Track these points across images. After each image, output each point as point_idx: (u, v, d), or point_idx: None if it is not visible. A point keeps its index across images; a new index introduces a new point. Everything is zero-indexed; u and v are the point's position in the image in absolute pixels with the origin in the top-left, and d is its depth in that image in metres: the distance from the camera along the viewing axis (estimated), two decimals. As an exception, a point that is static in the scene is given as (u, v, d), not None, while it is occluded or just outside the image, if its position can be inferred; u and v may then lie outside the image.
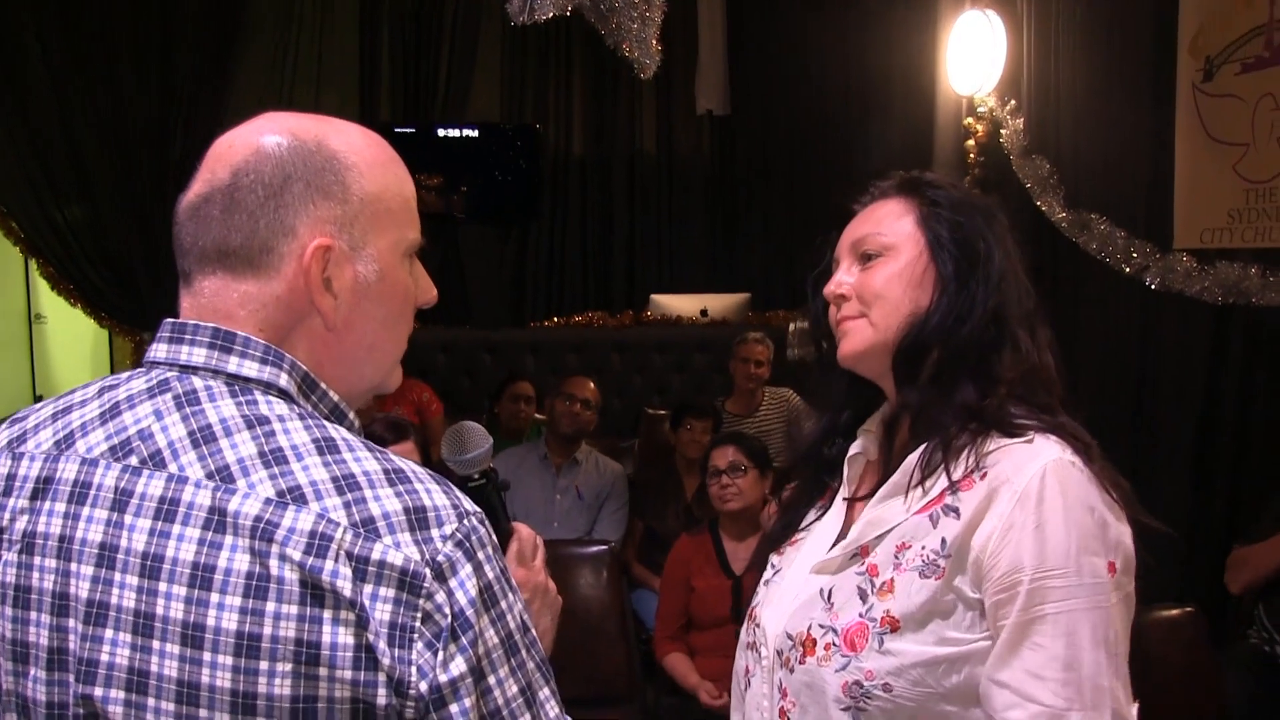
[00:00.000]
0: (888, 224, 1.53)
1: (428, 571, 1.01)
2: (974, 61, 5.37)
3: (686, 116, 7.87)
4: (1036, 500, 1.33)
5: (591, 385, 5.01)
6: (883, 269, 1.51)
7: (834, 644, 1.42)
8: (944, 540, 1.37)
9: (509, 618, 1.06)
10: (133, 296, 6.38)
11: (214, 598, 1.00)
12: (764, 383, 5.58)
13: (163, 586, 1.01)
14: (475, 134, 7.37)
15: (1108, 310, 5.08)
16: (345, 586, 0.99)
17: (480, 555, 1.05)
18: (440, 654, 1.01)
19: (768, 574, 1.63)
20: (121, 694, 1.02)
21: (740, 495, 3.91)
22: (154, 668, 1.01)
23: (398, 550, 1.00)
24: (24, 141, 6.17)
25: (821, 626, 1.44)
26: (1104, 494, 1.36)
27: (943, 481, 1.41)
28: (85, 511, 1.06)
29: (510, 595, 1.07)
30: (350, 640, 0.99)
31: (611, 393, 6.62)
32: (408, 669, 1.00)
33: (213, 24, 6.64)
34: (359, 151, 1.16)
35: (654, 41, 4.37)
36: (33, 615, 1.07)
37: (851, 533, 1.50)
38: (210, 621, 0.99)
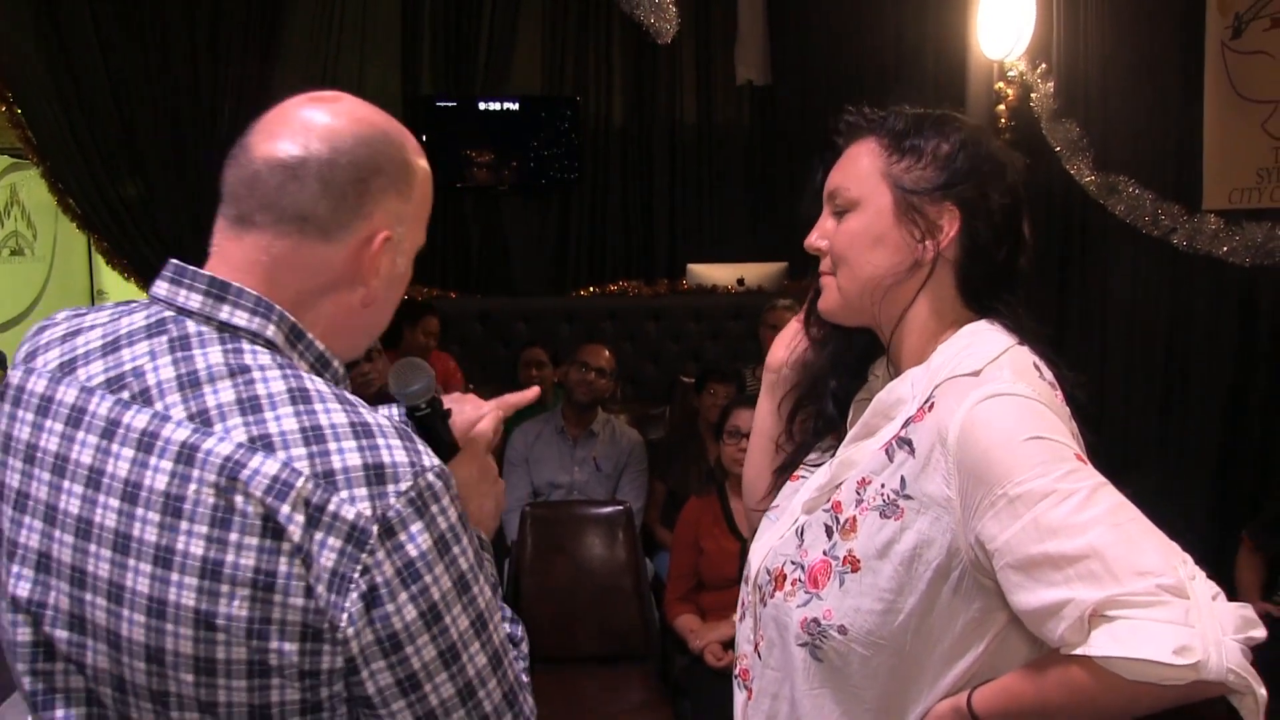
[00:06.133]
0: (855, 174, 1.49)
1: (375, 528, 1.09)
2: (1005, 25, 5.30)
3: (726, 86, 7.83)
4: (973, 440, 1.29)
5: (607, 353, 4.97)
6: (848, 226, 1.48)
7: (799, 580, 1.42)
8: (903, 480, 1.35)
9: (461, 560, 1.16)
10: (184, 270, 6.47)
11: (183, 525, 1.10)
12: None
13: (139, 511, 1.11)
14: (516, 107, 7.40)
15: (1137, 273, 5.02)
16: (296, 532, 1.08)
17: (434, 509, 1.13)
18: (385, 605, 1.10)
19: (770, 512, 1.62)
20: (104, 601, 1.13)
21: None
22: (129, 582, 1.11)
23: (351, 505, 1.09)
24: (79, 120, 6.30)
25: (793, 563, 1.45)
26: (1050, 419, 1.31)
27: (904, 417, 1.40)
28: (80, 435, 1.16)
29: (462, 539, 1.17)
30: (300, 572, 1.09)
31: (646, 360, 6.66)
32: (339, 614, 1.09)
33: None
34: (423, 161, 1.32)
35: (669, 5, 4.36)
36: (26, 519, 1.18)
37: (826, 472, 1.50)
38: (179, 545, 1.10)
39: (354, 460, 1.11)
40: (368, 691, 1.14)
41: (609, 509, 4.18)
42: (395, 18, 7.43)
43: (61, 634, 1.16)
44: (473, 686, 1.18)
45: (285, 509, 1.08)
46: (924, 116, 1.50)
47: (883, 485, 1.37)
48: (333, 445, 1.11)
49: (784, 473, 1.65)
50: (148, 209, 6.55)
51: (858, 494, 1.40)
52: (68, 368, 1.21)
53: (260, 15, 6.69)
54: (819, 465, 1.58)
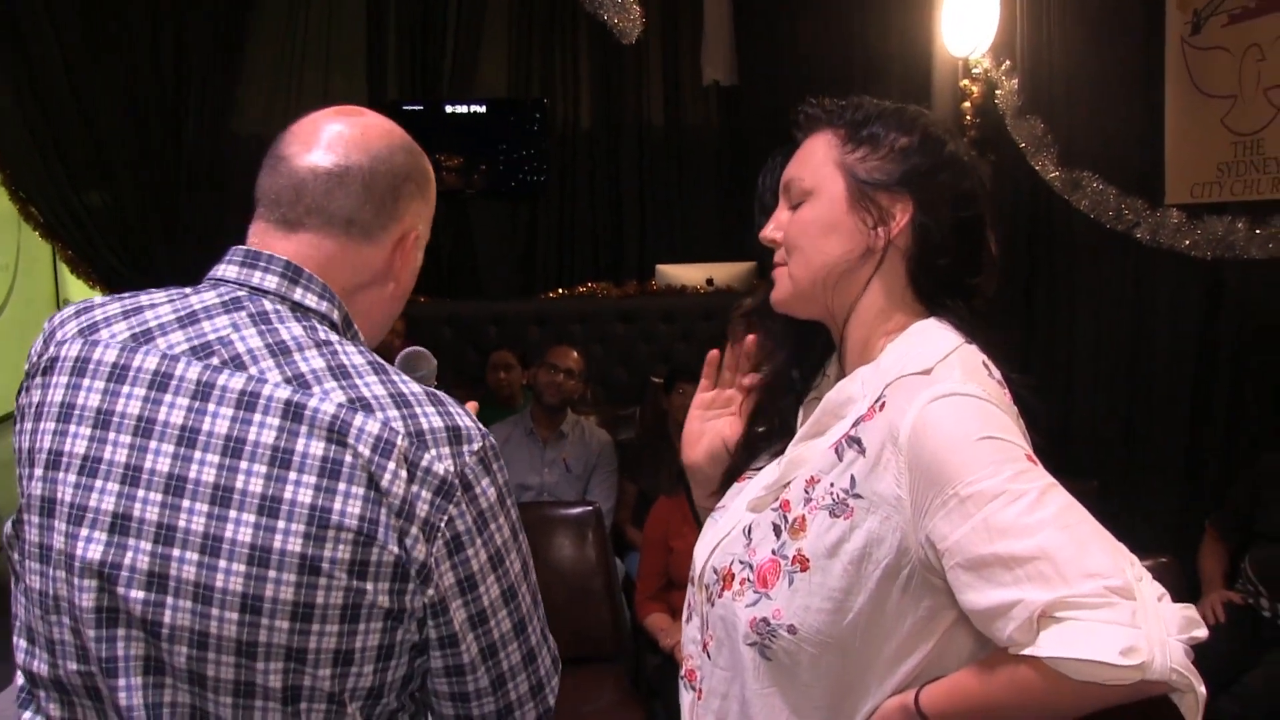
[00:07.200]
0: (810, 164, 1.48)
1: (458, 482, 1.24)
2: (969, 23, 5.33)
3: (694, 87, 7.85)
4: (924, 439, 1.28)
5: (575, 354, 4.99)
6: (801, 215, 1.47)
7: (748, 579, 1.41)
8: (853, 479, 1.34)
9: (513, 511, 1.33)
10: (151, 278, 6.44)
11: (291, 475, 1.20)
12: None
13: (244, 464, 1.20)
14: (483, 110, 7.39)
15: (1101, 268, 5.07)
16: (400, 485, 1.21)
17: (495, 466, 1.29)
18: (466, 549, 1.25)
19: (715, 512, 1.61)
20: (195, 555, 1.20)
21: None
22: (228, 533, 1.19)
23: (440, 461, 1.23)
24: (42, 128, 6.26)
25: (741, 563, 1.44)
26: (1001, 419, 1.31)
27: (854, 415, 1.39)
28: (167, 398, 1.24)
29: (511, 494, 1.33)
30: (399, 523, 1.21)
31: (616, 362, 6.66)
32: (430, 559, 1.23)
33: (223, 6, 6.72)
34: (430, 165, 1.47)
35: (633, 5, 4.36)
36: (98, 483, 1.23)
37: (773, 471, 1.50)
38: (287, 495, 1.20)
39: (438, 423, 1.25)
40: (453, 629, 1.28)
41: (579, 510, 4.17)
42: (360, 22, 7.42)
43: (137, 594, 1.21)
44: (524, 621, 1.34)
45: (391, 464, 1.20)
46: (886, 109, 1.50)
47: (832, 484, 1.37)
48: (418, 410, 1.25)
49: (732, 476, 1.64)
50: (114, 218, 6.52)
51: (806, 493, 1.40)
52: (143, 338, 1.28)
53: (225, 22, 6.69)
54: (764, 467, 1.58)
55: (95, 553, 1.21)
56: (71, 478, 1.24)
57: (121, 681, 1.22)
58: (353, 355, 1.28)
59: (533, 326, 6.64)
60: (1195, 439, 4.84)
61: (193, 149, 6.64)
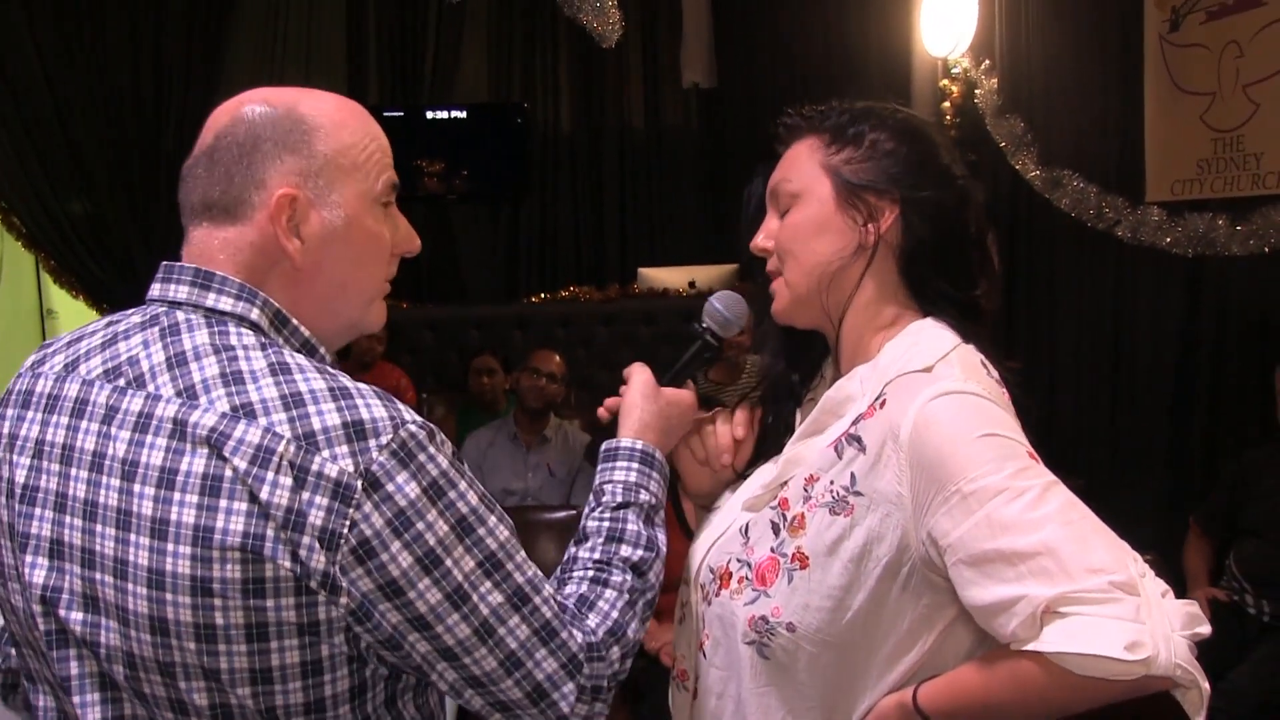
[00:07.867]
0: (795, 168, 1.49)
1: (359, 483, 1.13)
2: (948, 23, 5.34)
3: (674, 90, 7.84)
4: (926, 437, 1.28)
5: (557, 358, 4.98)
6: (791, 220, 1.48)
7: (746, 577, 1.41)
8: (853, 476, 1.34)
9: (460, 504, 1.20)
10: (134, 287, 6.39)
11: (176, 495, 1.14)
12: (746, 350, 5.56)
13: (137, 487, 1.16)
14: (463, 115, 7.38)
15: (1082, 266, 5.08)
16: (283, 497, 1.12)
17: (421, 457, 1.17)
18: (379, 555, 1.14)
19: (709, 512, 1.61)
20: (110, 578, 1.17)
21: None
22: (131, 556, 1.16)
23: (334, 463, 1.13)
24: (22, 137, 6.24)
25: (739, 561, 1.43)
26: (1001, 416, 1.31)
27: (854, 414, 1.39)
28: (83, 424, 1.22)
29: (459, 484, 1.20)
30: (290, 535, 1.13)
31: (599, 365, 6.64)
32: (332, 568, 1.13)
33: (201, 13, 6.69)
34: (326, 114, 1.29)
35: (612, 9, 4.35)
36: (37, 511, 1.23)
37: (771, 470, 1.49)
38: (173, 515, 1.14)
39: (333, 420, 1.15)
40: (387, 631, 1.18)
41: (563, 514, 4.15)
42: (340, 29, 7.41)
43: (76, 616, 1.20)
44: (490, 625, 1.21)
45: (270, 474, 1.12)
46: (874, 110, 1.50)
47: (832, 482, 1.36)
48: (312, 408, 1.15)
49: (736, 481, 1.63)
50: (96, 227, 6.50)
51: (805, 491, 1.39)
52: (71, 367, 1.27)
53: (204, 30, 6.66)
54: (762, 465, 1.57)
55: (39, 578, 1.22)
56: (17, 505, 1.25)
57: (77, 699, 1.23)
58: (255, 360, 1.20)
59: (515, 330, 6.62)
60: (1178, 436, 4.85)
61: (172, 156, 6.61)
